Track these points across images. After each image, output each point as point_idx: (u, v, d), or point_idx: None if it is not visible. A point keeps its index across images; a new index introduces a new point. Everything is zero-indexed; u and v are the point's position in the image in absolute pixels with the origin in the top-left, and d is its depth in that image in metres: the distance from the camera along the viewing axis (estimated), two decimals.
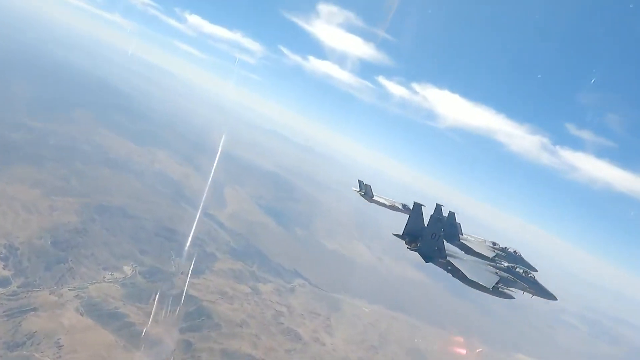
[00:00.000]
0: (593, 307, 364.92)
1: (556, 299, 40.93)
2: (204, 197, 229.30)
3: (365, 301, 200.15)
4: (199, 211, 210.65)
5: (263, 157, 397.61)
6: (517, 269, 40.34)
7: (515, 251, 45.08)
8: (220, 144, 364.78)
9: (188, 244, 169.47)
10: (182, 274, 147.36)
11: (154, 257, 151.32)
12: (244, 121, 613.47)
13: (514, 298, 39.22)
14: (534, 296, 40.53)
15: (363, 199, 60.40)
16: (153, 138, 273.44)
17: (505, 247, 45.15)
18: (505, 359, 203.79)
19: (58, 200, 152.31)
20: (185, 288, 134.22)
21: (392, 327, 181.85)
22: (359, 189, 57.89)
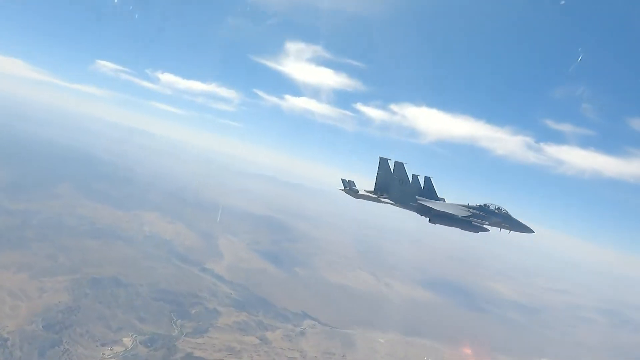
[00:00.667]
0: (608, 297, 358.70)
1: (533, 232, 43.86)
2: (198, 253, 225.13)
3: (379, 331, 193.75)
4: (195, 268, 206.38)
5: (253, 202, 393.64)
6: (490, 207, 43.13)
7: (499, 208, 44.99)
8: (209, 196, 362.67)
9: (188, 304, 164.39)
10: (185, 336, 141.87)
11: (154, 324, 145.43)
12: (230, 170, 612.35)
13: (488, 230, 43.07)
14: (511, 232, 43.69)
15: (350, 196, 55.87)
16: (139, 201, 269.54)
17: (486, 204, 45.39)
18: None
19: (47, 280, 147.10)
20: (190, 350, 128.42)
21: (410, 354, 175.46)
22: (343, 187, 55.40)
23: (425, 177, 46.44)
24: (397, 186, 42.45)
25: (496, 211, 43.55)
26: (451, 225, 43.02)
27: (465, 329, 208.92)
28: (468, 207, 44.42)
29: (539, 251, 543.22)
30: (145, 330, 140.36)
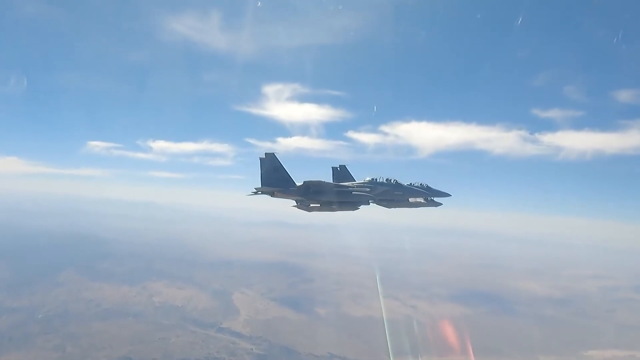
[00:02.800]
0: None
1: (449, 194, 45.17)
2: (213, 314, 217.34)
3: (410, 357, 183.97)
4: (212, 329, 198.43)
5: (264, 250, 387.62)
6: (380, 180, 44.62)
7: (421, 184, 46.73)
8: (218, 254, 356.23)
9: None
10: None
11: None
12: (238, 222, 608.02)
13: (372, 198, 44.08)
14: (422, 206, 45.87)
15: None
16: (146, 273, 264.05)
17: (411, 183, 46.82)
18: (594, 356, 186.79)
19: None
20: None
21: None
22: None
23: (341, 165, 48.68)
24: (271, 173, 43.33)
25: (385, 181, 44.60)
26: (332, 205, 43.58)
27: (502, 334, 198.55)
28: (358, 183, 45.44)
29: (562, 242, 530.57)
30: None
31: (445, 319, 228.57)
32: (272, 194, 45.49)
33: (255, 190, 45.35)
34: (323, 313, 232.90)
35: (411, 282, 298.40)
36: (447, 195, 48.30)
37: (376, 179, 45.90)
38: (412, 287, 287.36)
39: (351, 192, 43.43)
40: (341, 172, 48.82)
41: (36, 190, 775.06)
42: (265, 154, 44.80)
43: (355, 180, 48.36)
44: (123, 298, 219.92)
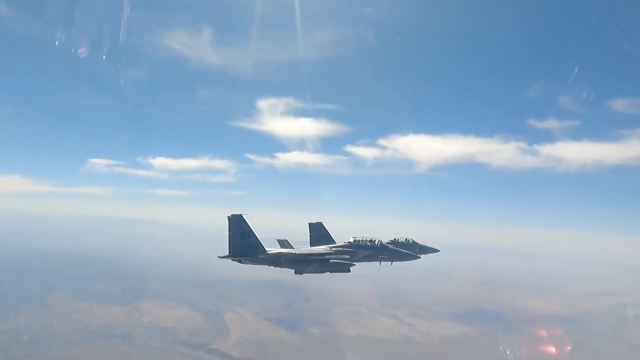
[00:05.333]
0: None
1: (419, 257, 42.63)
2: (203, 334, 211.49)
3: None
4: (201, 350, 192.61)
5: (263, 269, 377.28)
6: (362, 241, 42.23)
7: (406, 239, 45.13)
8: (216, 274, 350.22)
9: None
10: None
11: None
12: None
13: (352, 265, 41.61)
14: (393, 262, 43.41)
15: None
16: (139, 293, 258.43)
17: (395, 239, 45.09)
18: None
19: None
20: None
21: None
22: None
23: (317, 222, 47.83)
24: (238, 240, 40.73)
25: (368, 244, 42.11)
26: (317, 270, 41.03)
27: (499, 356, 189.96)
28: (338, 246, 42.67)
29: (568, 257, 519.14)
30: None
31: (441, 339, 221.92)
32: (240, 262, 43.85)
33: (222, 256, 43.10)
34: (317, 332, 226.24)
35: (414, 301, 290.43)
36: (435, 251, 47.17)
37: (359, 240, 43.75)
38: (414, 305, 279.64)
39: (328, 260, 41.02)
40: (317, 229, 47.92)
41: (37, 210, 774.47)
42: (232, 215, 41.84)
43: (333, 239, 46.67)
44: (112, 319, 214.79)
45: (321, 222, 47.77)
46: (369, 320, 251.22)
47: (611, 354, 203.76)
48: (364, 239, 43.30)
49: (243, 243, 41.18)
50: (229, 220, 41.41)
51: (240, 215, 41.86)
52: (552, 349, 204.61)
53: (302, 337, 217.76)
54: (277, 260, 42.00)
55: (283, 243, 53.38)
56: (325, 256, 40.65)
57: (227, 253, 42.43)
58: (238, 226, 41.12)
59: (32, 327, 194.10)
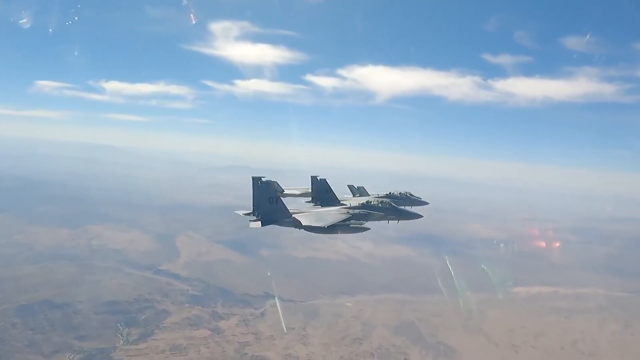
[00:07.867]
0: (581, 216, 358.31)
1: (421, 216, 44.47)
2: (153, 256, 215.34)
3: (347, 296, 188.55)
4: (149, 271, 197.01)
5: (222, 195, 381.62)
6: (374, 203, 43.49)
7: (400, 193, 49.05)
8: (173, 198, 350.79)
9: (136, 311, 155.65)
10: (129, 344, 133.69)
11: (96, 339, 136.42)
12: (199, 167, 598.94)
13: (369, 229, 41.35)
14: (400, 221, 44.34)
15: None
16: (89, 217, 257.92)
17: (390, 192, 49.07)
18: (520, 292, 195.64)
19: None
20: (128, 359, 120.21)
21: (378, 312, 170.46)
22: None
23: (321, 179, 48.31)
24: (266, 205, 40.88)
25: (380, 205, 43.43)
26: (336, 233, 41.60)
27: (436, 274, 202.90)
28: (351, 207, 43.47)
29: (511, 187, 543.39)
30: (85, 348, 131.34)
31: (385, 261, 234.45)
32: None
33: (253, 221, 42.06)
34: (267, 255, 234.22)
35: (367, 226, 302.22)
36: (425, 203, 49.50)
37: (370, 202, 43.98)
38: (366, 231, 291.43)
39: (349, 225, 41.01)
40: (321, 184, 48.22)
41: None
42: (261, 182, 40.39)
43: (336, 196, 47.82)
44: (59, 242, 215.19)
45: (325, 179, 48.12)
46: (317, 244, 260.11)
47: (534, 273, 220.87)
48: (376, 200, 44.00)
49: (271, 209, 40.60)
50: (254, 184, 40.35)
51: (269, 182, 41.67)
52: (486, 268, 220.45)
53: (251, 259, 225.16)
54: (300, 225, 41.61)
55: (360, 190, 54.44)
56: (347, 222, 40.94)
57: (252, 216, 41.62)
58: (266, 191, 40.54)
59: None
